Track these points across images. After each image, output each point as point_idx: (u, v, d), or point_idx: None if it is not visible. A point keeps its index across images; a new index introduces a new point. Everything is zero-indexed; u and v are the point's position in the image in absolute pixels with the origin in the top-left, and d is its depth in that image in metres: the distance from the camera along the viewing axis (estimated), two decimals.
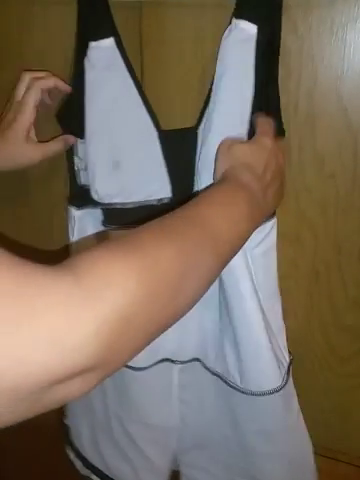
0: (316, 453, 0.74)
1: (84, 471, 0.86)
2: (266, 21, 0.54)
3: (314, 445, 0.72)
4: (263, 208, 0.52)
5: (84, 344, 0.27)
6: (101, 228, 0.67)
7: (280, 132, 0.59)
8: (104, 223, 0.67)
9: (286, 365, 0.66)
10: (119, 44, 0.60)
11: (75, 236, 0.69)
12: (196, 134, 0.60)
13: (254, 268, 0.61)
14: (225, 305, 0.62)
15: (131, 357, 0.33)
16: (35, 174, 0.78)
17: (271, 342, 0.61)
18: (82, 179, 0.67)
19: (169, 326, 0.37)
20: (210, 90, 0.58)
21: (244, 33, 0.54)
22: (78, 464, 0.86)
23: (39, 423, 0.28)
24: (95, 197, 0.63)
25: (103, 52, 0.60)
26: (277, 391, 0.63)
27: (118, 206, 0.64)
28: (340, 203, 0.63)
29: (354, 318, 0.68)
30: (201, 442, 0.76)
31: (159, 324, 0.35)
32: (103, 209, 0.66)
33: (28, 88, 0.64)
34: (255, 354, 0.62)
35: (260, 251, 0.61)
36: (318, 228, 0.64)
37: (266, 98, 0.56)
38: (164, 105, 0.65)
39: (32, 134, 0.66)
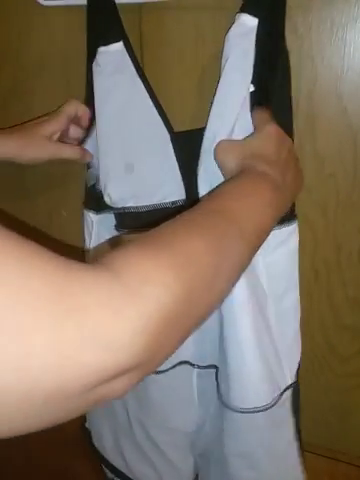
0: (316, 453, 0.74)
1: (110, 475, 0.85)
2: (267, 13, 0.53)
3: (314, 445, 0.72)
4: (285, 193, 0.51)
5: (130, 341, 0.27)
6: (115, 233, 0.67)
7: (289, 130, 0.57)
8: (117, 227, 0.66)
9: (282, 387, 0.64)
10: (128, 47, 0.60)
11: (93, 241, 0.69)
12: (203, 136, 0.59)
13: (267, 278, 0.59)
14: (218, 314, 0.61)
15: (169, 354, 0.33)
16: (37, 174, 0.78)
17: (264, 359, 0.60)
18: (96, 183, 0.67)
19: (204, 320, 0.37)
20: (216, 90, 0.57)
21: (245, 26, 0.53)
22: (103, 467, 0.86)
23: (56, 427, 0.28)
24: (108, 201, 0.63)
25: (113, 56, 0.60)
26: (261, 410, 0.61)
27: (132, 210, 0.63)
28: (340, 203, 0.63)
29: (354, 318, 0.68)
30: (202, 452, 0.75)
31: (196, 318, 0.35)
32: (116, 213, 0.65)
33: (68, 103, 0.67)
34: (239, 368, 0.60)
35: (275, 259, 0.59)
36: (318, 228, 0.64)
37: (266, 92, 0.55)
38: (164, 106, 0.65)
39: (55, 137, 0.67)
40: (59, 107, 0.67)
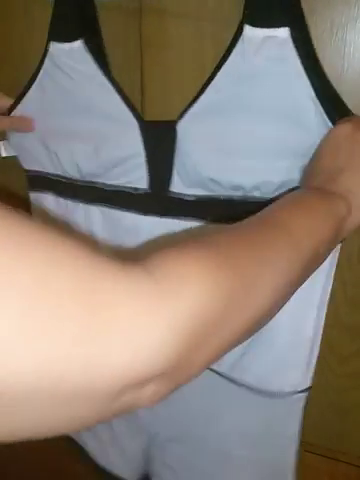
0: (316, 453, 0.74)
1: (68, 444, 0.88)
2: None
3: (314, 445, 0.72)
4: (344, 199, 0.44)
5: (161, 342, 0.25)
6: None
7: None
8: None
9: (308, 382, 0.65)
10: (88, 45, 0.61)
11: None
12: (175, 129, 0.60)
13: None
14: None
15: (204, 365, 0.31)
16: None
17: (305, 345, 0.62)
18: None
19: (247, 335, 0.34)
20: (203, 90, 0.57)
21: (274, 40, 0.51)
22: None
23: None
24: (75, 174, 0.67)
25: (73, 54, 0.61)
26: (270, 396, 0.63)
27: (100, 186, 0.66)
28: None
29: (354, 318, 0.68)
30: (174, 437, 0.76)
31: (234, 329, 0.32)
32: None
33: None
34: (270, 353, 0.62)
35: None
36: None
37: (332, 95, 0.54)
38: (164, 107, 0.65)
39: None
40: None
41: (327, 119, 0.52)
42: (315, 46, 0.57)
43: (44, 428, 0.25)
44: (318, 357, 0.71)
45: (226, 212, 0.61)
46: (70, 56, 0.61)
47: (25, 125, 0.69)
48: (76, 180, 0.68)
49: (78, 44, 0.61)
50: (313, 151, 0.52)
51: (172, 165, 0.61)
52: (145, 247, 0.65)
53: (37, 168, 0.72)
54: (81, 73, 0.62)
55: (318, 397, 0.73)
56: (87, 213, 0.69)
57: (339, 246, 0.59)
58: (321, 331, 0.62)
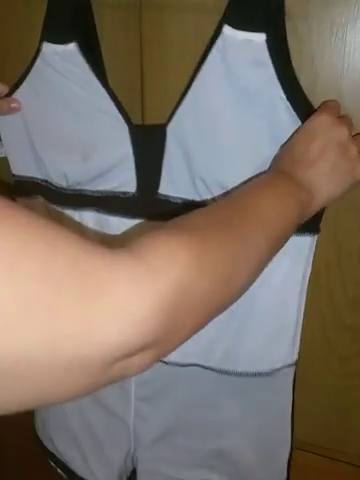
0: (316, 453, 0.74)
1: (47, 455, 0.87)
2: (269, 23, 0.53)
3: (314, 445, 0.72)
4: (308, 196, 0.48)
5: (150, 317, 0.28)
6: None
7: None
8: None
9: (294, 358, 0.66)
10: (82, 48, 0.60)
11: None
12: (165, 132, 0.60)
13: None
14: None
15: (185, 337, 0.34)
16: None
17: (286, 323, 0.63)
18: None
19: (225, 307, 0.38)
20: (187, 90, 0.58)
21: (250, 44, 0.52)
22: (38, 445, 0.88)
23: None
24: (62, 183, 0.66)
25: (66, 56, 0.61)
26: (262, 375, 0.65)
27: (88, 193, 0.66)
28: (340, 203, 0.63)
29: (354, 318, 0.68)
30: (162, 435, 0.76)
31: (213, 304, 0.36)
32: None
33: None
34: (257, 338, 0.64)
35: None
36: None
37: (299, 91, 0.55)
38: (164, 106, 0.65)
39: None
40: None
41: (297, 119, 0.54)
42: (315, 46, 0.57)
43: (44, 397, 0.28)
44: (318, 357, 0.71)
45: None
46: (63, 58, 0.61)
47: (9, 107, 0.66)
48: (63, 188, 0.67)
49: (72, 47, 0.60)
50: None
51: (161, 167, 0.62)
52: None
53: (25, 173, 0.71)
54: (73, 75, 0.61)
55: (318, 397, 0.73)
56: (77, 218, 0.68)
57: (316, 236, 0.61)
58: (303, 310, 0.65)
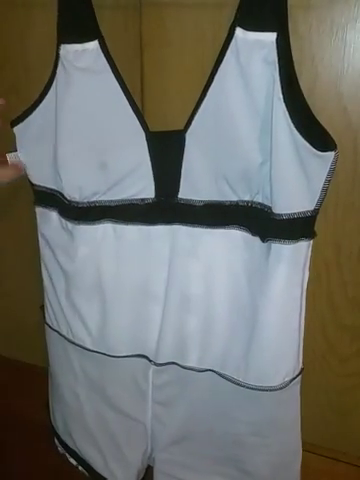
0: (316, 453, 0.74)
1: (61, 449, 0.88)
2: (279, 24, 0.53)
3: (314, 445, 0.72)
4: None
5: None
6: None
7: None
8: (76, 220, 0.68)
9: (299, 368, 0.67)
10: (103, 46, 0.60)
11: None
12: (184, 137, 0.60)
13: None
14: (249, 306, 0.63)
15: None
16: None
17: (290, 339, 0.64)
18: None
19: None
20: (204, 94, 0.57)
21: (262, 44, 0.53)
22: (56, 442, 0.89)
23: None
24: (75, 196, 0.65)
25: (86, 55, 0.60)
26: (274, 390, 0.65)
27: (104, 203, 0.65)
28: (340, 203, 0.63)
29: (354, 318, 0.68)
30: (179, 438, 0.76)
31: None
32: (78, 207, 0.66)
33: None
34: (265, 353, 0.63)
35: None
36: (318, 228, 0.64)
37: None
38: (164, 106, 0.65)
39: None
40: None
41: (289, 118, 0.53)
42: (315, 46, 0.58)
43: None
44: (318, 357, 0.71)
45: (232, 217, 0.62)
46: (84, 56, 0.60)
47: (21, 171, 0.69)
48: (76, 202, 0.66)
49: (94, 45, 0.59)
50: (276, 151, 0.55)
51: (180, 172, 0.62)
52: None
53: (43, 184, 0.70)
54: (93, 74, 0.60)
55: (318, 397, 0.73)
56: (94, 232, 0.67)
57: (311, 242, 0.61)
58: (303, 319, 0.65)
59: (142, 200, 0.65)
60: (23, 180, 0.71)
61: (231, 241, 0.63)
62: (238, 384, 0.66)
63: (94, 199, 0.65)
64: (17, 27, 0.72)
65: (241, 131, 0.57)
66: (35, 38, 0.71)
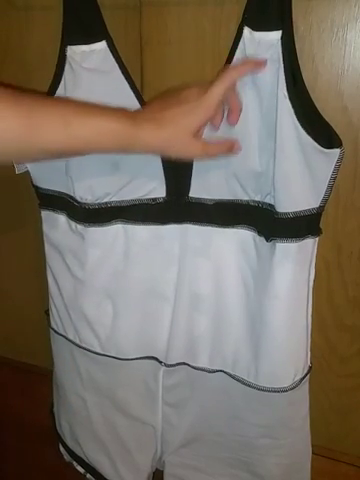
0: (316, 453, 0.74)
1: (67, 457, 0.87)
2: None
3: (314, 445, 0.72)
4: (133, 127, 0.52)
5: None
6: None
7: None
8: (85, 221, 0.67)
9: (306, 369, 0.67)
10: (111, 47, 0.60)
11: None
12: None
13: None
14: (256, 308, 0.63)
15: None
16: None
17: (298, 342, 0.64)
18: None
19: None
20: None
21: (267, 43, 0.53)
22: (62, 450, 0.88)
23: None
24: (87, 197, 0.65)
25: (94, 55, 0.60)
26: (285, 391, 0.65)
27: (115, 204, 0.65)
28: (340, 203, 0.63)
29: (354, 318, 0.68)
30: (189, 441, 0.76)
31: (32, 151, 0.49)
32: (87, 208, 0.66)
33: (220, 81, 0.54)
34: (275, 354, 0.63)
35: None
36: None
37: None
38: None
39: (201, 132, 0.57)
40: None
41: (294, 115, 0.53)
42: (315, 46, 0.58)
43: None
44: (318, 357, 0.71)
45: (242, 217, 0.62)
46: (93, 57, 0.60)
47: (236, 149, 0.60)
48: (87, 203, 0.65)
49: (101, 45, 0.60)
50: (281, 149, 0.55)
51: (191, 171, 0.62)
52: None
53: (50, 186, 0.70)
54: (102, 75, 0.61)
55: (319, 397, 0.73)
56: (105, 233, 0.67)
57: (317, 238, 0.61)
58: (310, 317, 0.65)
59: (153, 200, 0.64)
60: (25, 182, 0.71)
61: (241, 241, 0.63)
62: (249, 385, 0.66)
63: (106, 200, 0.65)
64: (17, 28, 0.72)
65: (251, 129, 0.57)
66: (35, 39, 0.71)
